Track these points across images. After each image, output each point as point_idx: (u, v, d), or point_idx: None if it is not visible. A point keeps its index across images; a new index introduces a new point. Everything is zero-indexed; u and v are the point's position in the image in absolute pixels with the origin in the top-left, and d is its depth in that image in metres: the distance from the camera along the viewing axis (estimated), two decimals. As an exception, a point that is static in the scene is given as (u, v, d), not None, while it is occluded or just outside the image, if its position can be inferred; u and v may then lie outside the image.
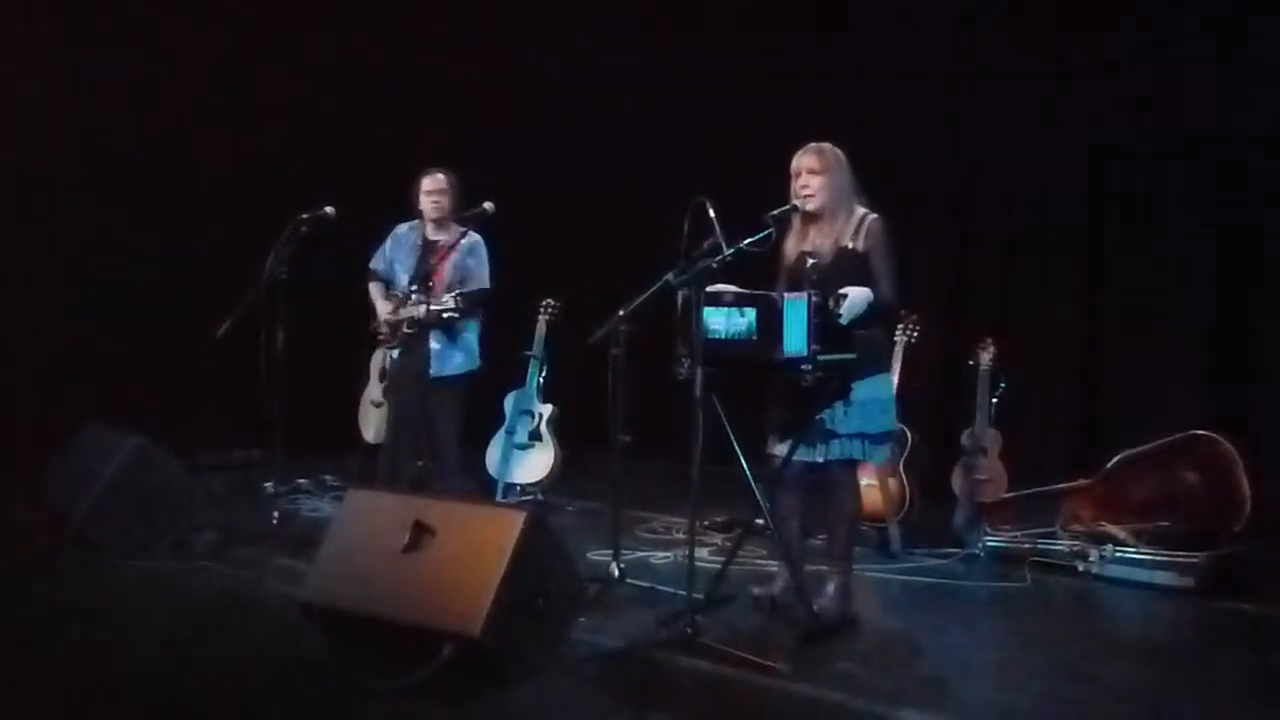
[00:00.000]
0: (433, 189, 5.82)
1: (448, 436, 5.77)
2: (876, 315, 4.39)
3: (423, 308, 5.61)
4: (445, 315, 5.53)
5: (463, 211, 5.78)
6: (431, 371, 5.70)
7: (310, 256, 5.65)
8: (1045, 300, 7.06)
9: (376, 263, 5.95)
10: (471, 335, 5.80)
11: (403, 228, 5.94)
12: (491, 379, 6.88)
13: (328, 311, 5.83)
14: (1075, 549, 5.38)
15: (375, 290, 5.93)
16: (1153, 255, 6.68)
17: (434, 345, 5.69)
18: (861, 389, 4.39)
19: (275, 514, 5.68)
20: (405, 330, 5.74)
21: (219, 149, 7.56)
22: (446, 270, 5.72)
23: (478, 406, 6.81)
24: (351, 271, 6.08)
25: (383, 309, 5.86)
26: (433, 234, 5.86)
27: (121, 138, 7.17)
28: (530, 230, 7.80)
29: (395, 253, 5.91)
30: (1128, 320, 6.78)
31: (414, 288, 5.71)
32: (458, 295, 5.53)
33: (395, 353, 5.91)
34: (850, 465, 4.56)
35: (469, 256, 5.77)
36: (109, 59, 7.21)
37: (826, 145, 4.51)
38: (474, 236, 5.80)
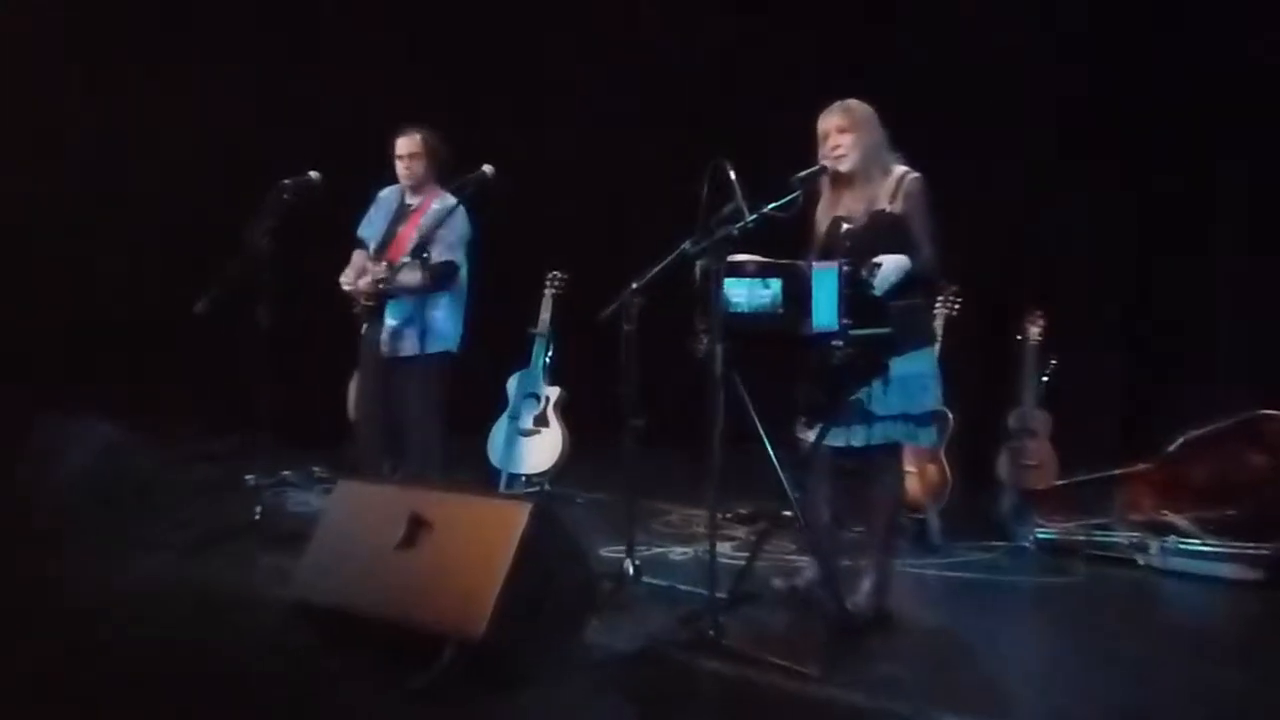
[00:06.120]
0: (405, 151, 5.68)
1: (415, 430, 5.66)
2: (916, 284, 4.39)
3: (368, 278, 5.54)
4: (398, 287, 5.42)
5: (447, 173, 5.66)
6: (385, 351, 5.63)
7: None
8: (1098, 269, 7.05)
9: (363, 230, 5.87)
10: (443, 313, 5.64)
11: (386, 190, 5.88)
12: (493, 360, 6.89)
13: (317, 286, 5.79)
14: (1134, 540, 5.41)
15: (354, 259, 5.81)
16: (1214, 218, 6.69)
17: (389, 322, 5.61)
18: (901, 365, 4.37)
19: (258, 508, 5.68)
20: (364, 303, 5.65)
21: (196, 115, 7.60)
22: (410, 238, 5.58)
23: (479, 390, 6.84)
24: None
25: (344, 277, 5.72)
26: (410, 197, 5.79)
27: (100, 115, 7.32)
28: (535, 197, 7.77)
29: (376, 218, 5.84)
30: (1188, 290, 6.78)
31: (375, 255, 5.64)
32: (417, 264, 5.27)
33: (364, 329, 5.79)
34: (893, 450, 4.58)
35: (438, 224, 5.47)
36: (96, 50, 7.41)
37: (853, 101, 4.54)
38: (448, 201, 5.54)
